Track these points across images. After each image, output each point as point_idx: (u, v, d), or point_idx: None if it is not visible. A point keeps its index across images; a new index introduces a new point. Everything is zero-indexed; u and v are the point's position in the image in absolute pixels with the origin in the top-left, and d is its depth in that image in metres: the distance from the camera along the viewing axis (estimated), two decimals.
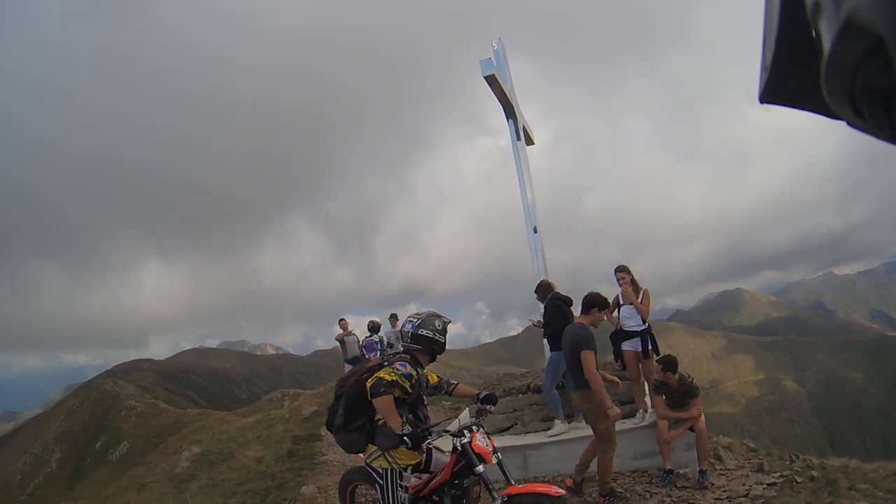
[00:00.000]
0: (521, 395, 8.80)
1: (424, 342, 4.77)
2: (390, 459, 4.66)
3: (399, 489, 4.68)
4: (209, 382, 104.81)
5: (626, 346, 7.92)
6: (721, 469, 7.62)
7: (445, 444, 5.05)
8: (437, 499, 4.80)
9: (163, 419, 35.37)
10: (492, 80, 8.65)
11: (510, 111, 9.39)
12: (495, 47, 9.30)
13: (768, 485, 6.55)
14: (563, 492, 4.30)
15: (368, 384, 4.46)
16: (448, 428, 4.87)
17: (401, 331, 4.95)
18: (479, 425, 4.76)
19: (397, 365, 4.59)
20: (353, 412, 4.74)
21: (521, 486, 4.45)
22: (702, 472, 7.00)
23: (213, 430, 19.31)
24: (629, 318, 7.86)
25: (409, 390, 4.61)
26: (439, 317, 4.89)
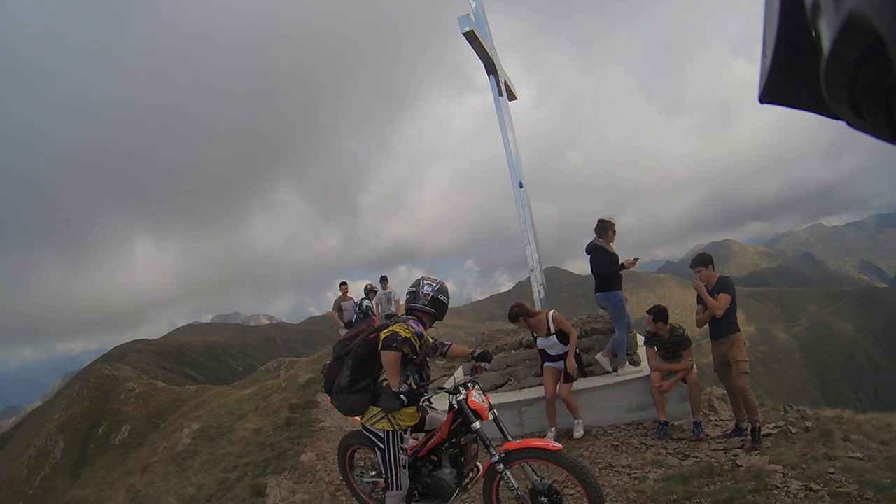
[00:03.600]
0: (514, 350, 8.79)
1: (440, 307, 4.81)
2: (393, 421, 4.61)
3: (400, 451, 4.64)
4: (205, 357, 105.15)
5: (548, 363, 7.58)
6: (716, 420, 7.69)
7: (441, 402, 5.05)
8: (435, 458, 4.81)
9: (162, 398, 35.38)
10: (471, 37, 8.50)
11: (491, 67, 9.26)
12: (473, 4, 9.09)
13: (763, 435, 6.58)
14: (559, 446, 4.31)
15: (383, 335, 4.39)
16: (443, 386, 4.83)
17: (417, 292, 4.85)
18: (474, 382, 4.79)
19: (411, 322, 4.55)
20: (359, 372, 4.67)
21: (518, 441, 4.47)
22: (696, 424, 7.05)
23: (211, 405, 19.41)
24: (550, 348, 7.52)
25: (418, 350, 4.59)
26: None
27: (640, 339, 8.71)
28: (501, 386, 8.82)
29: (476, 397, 4.57)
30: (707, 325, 6.92)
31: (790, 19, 1.08)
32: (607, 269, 8.08)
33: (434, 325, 4.97)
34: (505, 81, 9.57)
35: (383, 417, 4.63)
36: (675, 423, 7.39)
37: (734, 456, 6.24)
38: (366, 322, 5.06)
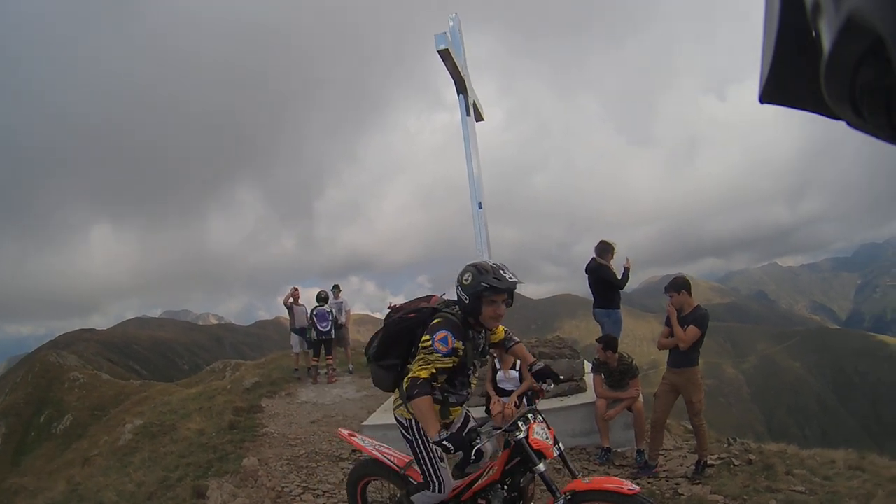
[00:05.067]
0: None
1: (461, 303, 3.96)
2: (413, 411, 3.89)
3: (430, 440, 3.81)
4: (151, 353, 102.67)
5: (501, 398, 7.49)
6: (659, 449, 7.83)
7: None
8: (483, 502, 4.05)
9: (105, 391, 34.31)
10: (445, 55, 8.56)
11: (461, 86, 9.32)
12: (451, 23, 9.15)
13: (706, 466, 6.67)
14: (636, 488, 3.52)
15: (405, 384, 3.75)
16: (499, 425, 4.08)
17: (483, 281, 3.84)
18: (535, 413, 3.93)
19: (438, 344, 3.74)
20: (387, 348, 4.19)
21: (587, 481, 3.68)
22: (639, 452, 7.16)
23: (155, 402, 18.93)
24: (506, 382, 7.52)
25: (454, 362, 3.85)
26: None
27: (588, 365, 8.82)
28: None
29: (539, 433, 3.76)
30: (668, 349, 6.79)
31: (790, 19, 1.09)
32: (619, 281, 8.78)
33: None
34: (474, 102, 9.65)
35: (402, 404, 4.07)
36: (619, 450, 7.49)
37: (676, 485, 6.35)
38: (423, 299, 4.41)
